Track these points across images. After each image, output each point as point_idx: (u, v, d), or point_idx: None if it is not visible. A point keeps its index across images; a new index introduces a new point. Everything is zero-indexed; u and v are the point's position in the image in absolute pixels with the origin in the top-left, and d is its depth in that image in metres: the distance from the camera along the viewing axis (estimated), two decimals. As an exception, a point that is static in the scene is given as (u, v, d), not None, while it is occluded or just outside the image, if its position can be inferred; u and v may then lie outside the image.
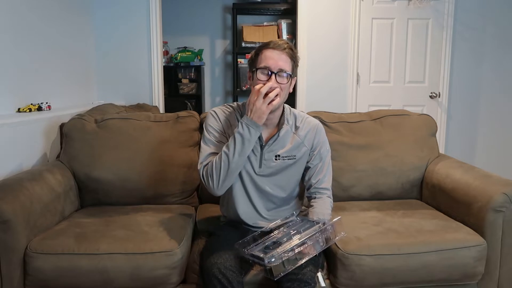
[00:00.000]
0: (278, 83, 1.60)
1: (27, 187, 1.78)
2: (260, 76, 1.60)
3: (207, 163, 1.65)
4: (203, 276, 1.56)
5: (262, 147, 1.73)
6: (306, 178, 1.81)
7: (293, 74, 1.65)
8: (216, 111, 1.76)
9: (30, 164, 2.27)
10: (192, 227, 1.95)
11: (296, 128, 1.78)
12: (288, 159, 1.75)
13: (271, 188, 1.75)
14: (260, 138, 1.72)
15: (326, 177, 1.81)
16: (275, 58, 1.60)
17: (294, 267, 1.44)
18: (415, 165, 2.28)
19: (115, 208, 2.08)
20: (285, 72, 1.61)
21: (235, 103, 1.82)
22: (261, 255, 1.36)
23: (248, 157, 1.70)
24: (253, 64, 1.65)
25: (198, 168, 1.68)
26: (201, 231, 1.93)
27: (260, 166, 1.73)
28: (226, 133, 1.72)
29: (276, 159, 1.74)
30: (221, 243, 1.62)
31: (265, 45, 1.64)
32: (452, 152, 3.74)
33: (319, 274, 1.54)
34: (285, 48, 1.62)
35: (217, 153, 1.65)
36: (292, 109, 1.82)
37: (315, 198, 1.78)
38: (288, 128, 1.76)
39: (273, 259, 1.36)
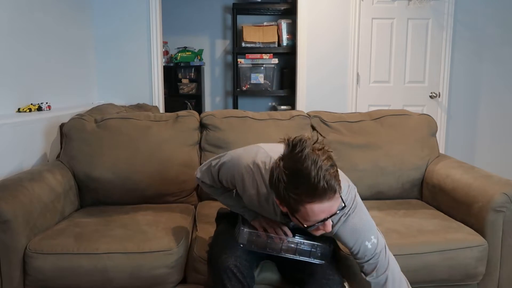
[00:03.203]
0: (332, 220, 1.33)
1: (27, 187, 1.77)
2: (316, 231, 1.30)
3: (204, 175, 1.65)
4: (214, 269, 1.52)
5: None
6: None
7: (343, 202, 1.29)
8: (245, 177, 1.47)
9: (30, 164, 2.26)
10: (192, 226, 1.94)
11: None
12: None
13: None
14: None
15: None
16: (326, 210, 1.22)
17: (257, 249, 1.54)
18: (415, 165, 2.27)
19: (115, 208, 2.08)
20: (337, 210, 1.26)
21: (261, 168, 1.44)
22: (242, 225, 1.53)
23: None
24: (294, 213, 1.27)
25: (196, 173, 1.69)
26: (221, 215, 1.81)
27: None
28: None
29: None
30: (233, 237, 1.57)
31: (308, 197, 1.19)
32: (452, 152, 3.74)
33: (346, 285, 1.56)
34: (331, 191, 1.19)
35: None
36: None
37: None
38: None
39: (245, 230, 1.51)
